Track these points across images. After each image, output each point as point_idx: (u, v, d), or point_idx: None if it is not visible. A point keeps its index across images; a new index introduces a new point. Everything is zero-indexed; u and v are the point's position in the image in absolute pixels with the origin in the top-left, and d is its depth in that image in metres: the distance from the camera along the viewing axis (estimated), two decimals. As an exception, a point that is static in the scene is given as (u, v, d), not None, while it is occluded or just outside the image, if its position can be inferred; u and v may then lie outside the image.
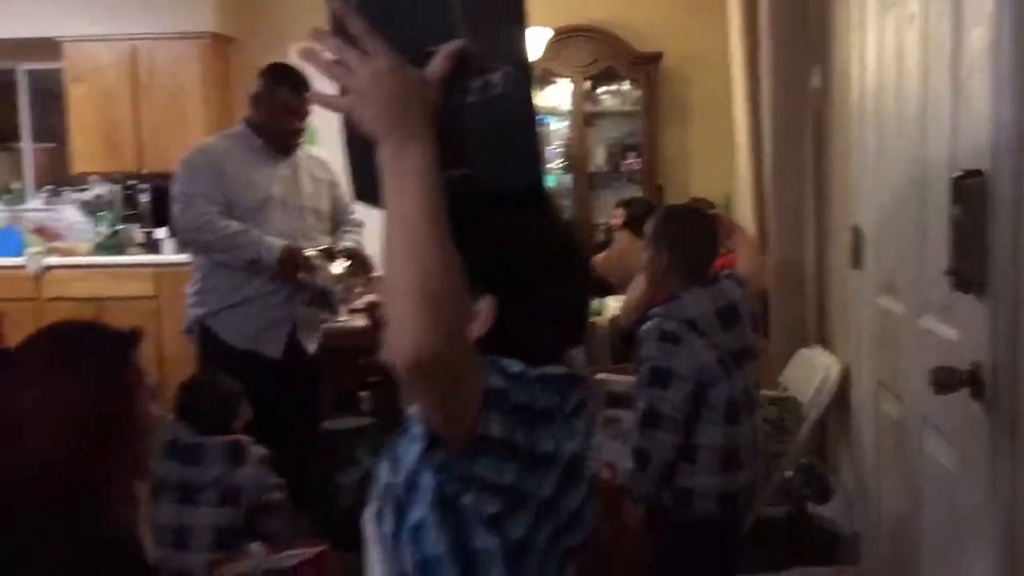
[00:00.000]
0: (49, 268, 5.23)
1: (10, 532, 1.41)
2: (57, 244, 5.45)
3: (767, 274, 3.32)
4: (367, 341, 4.19)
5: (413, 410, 1.14)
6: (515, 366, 1.07)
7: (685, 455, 2.34)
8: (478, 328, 1.07)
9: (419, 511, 1.04)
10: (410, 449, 1.08)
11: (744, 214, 4.20)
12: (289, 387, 3.30)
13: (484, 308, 1.08)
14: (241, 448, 2.63)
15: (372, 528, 1.13)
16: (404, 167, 0.96)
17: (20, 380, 1.48)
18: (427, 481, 1.05)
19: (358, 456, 3.69)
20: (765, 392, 3.00)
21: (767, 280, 3.31)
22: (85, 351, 1.50)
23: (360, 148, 1.06)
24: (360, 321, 4.16)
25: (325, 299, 3.34)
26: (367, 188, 1.10)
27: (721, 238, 2.70)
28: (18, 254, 5.22)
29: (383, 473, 1.12)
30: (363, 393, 4.27)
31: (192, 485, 2.56)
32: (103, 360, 1.50)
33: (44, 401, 1.44)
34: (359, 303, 4.25)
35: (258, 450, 2.66)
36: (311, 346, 3.43)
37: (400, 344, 0.92)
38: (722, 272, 2.55)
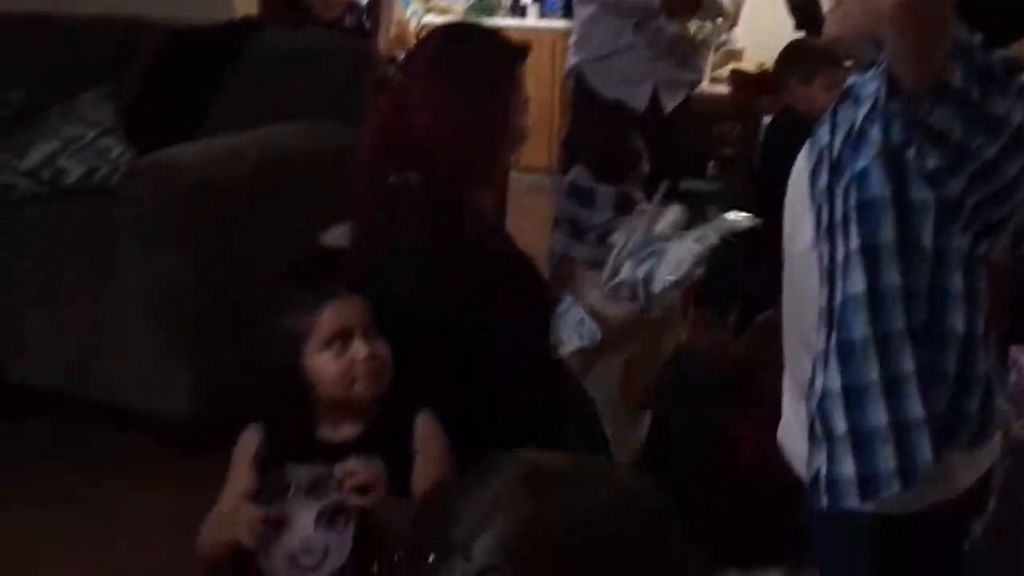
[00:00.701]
0: (427, 25, 5.65)
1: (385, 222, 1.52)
2: (435, 3, 5.87)
3: None
4: (724, 109, 4.24)
5: (856, 80, 1.21)
6: (976, 38, 1.10)
7: None
8: None
9: (864, 160, 1.12)
10: (854, 111, 1.17)
11: None
12: (648, 142, 3.46)
13: None
14: (629, 199, 2.80)
15: (800, 186, 1.23)
16: None
17: (409, 73, 1.58)
18: (875, 133, 1.12)
19: (708, 215, 3.80)
20: None
21: None
22: (471, 52, 1.55)
23: None
24: (720, 88, 4.17)
25: (682, 54, 3.44)
26: None
27: None
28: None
29: (821, 135, 1.21)
30: (712, 161, 4.34)
31: (580, 224, 2.80)
32: (486, 63, 1.54)
33: (427, 92, 1.51)
34: (721, 71, 4.26)
35: (644, 204, 2.81)
36: (670, 104, 3.57)
37: None
38: None
